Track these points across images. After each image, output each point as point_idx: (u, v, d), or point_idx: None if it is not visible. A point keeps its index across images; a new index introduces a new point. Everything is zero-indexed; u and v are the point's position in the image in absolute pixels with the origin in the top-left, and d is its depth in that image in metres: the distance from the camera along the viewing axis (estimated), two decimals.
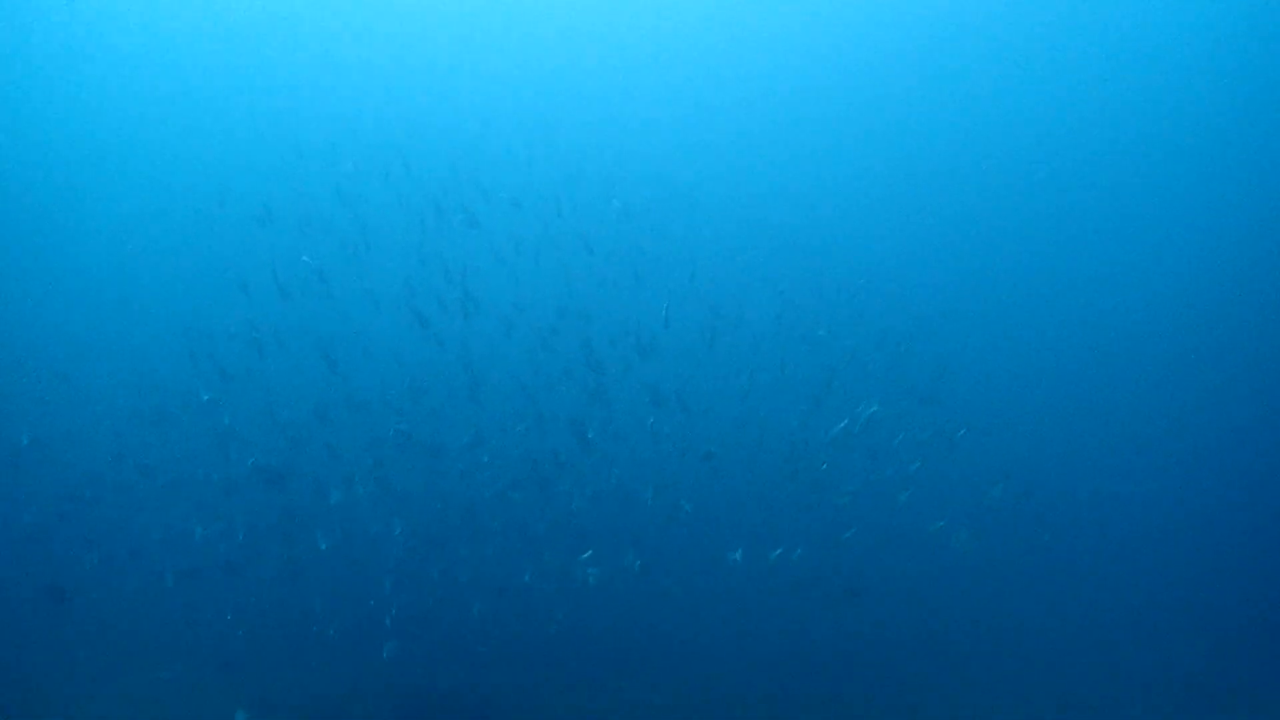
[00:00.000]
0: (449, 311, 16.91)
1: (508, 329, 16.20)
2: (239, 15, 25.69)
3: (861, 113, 26.32)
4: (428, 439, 14.45)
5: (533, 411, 14.90)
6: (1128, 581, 16.45)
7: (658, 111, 26.12)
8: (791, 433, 15.77)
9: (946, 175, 26.46)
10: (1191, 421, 20.77)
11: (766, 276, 21.45)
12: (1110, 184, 25.26)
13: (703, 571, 14.86)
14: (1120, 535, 18.24)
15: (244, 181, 26.74)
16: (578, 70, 25.48)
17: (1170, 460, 20.43)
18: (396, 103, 27.48)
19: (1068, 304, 24.27)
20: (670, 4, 24.19)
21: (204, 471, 15.70)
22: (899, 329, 21.11)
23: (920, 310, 22.51)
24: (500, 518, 14.32)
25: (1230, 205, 23.65)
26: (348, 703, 11.10)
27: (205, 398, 17.36)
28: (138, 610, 14.57)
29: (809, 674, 12.58)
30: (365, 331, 18.59)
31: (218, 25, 25.81)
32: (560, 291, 16.42)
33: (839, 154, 26.70)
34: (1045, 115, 25.35)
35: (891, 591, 15.61)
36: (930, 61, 25.78)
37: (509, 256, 17.90)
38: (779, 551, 14.84)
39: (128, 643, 13.77)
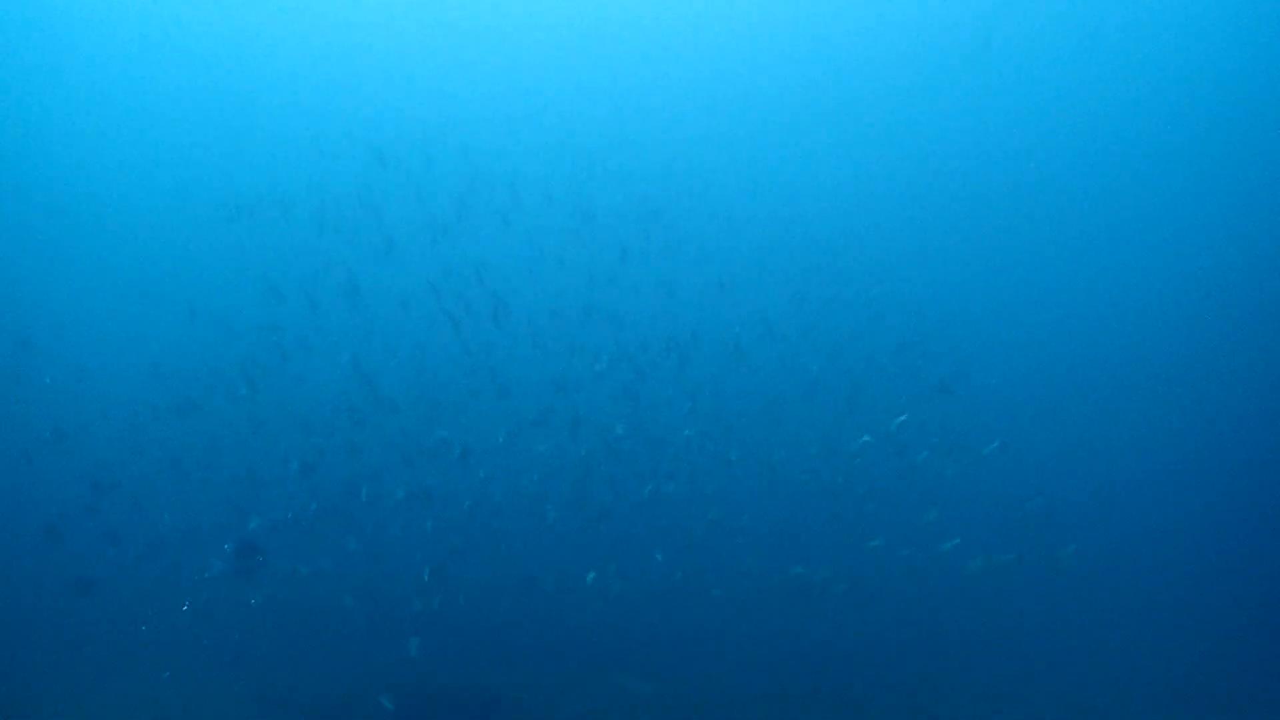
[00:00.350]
0: (474, 312, 16.86)
1: (537, 330, 16.15)
2: (257, 14, 25.66)
3: (894, 127, 26.32)
4: (458, 439, 14.40)
5: (567, 412, 14.83)
6: (1156, 596, 16.36)
7: (688, 115, 26.09)
8: (819, 440, 15.72)
9: (979, 188, 26.44)
10: (1221, 437, 20.63)
11: (795, 285, 21.40)
12: (1147, 195, 25.18)
13: (729, 574, 14.82)
14: (1149, 551, 18.12)
15: (264, 178, 26.72)
16: (608, 71, 25.41)
17: (1196, 472, 20.27)
18: (418, 99, 27.43)
19: (1100, 320, 24.20)
20: (706, 11, 24.14)
21: (230, 465, 15.69)
22: (926, 339, 21.04)
23: (950, 321, 22.47)
24: (529, 519, 14.28)
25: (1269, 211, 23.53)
26: (372, 698, 11.07)
27: (230, 393, 17.33)
28: (162, 602, 14.56)
29: (830, 677, 12.52)
30: (391, 329, 18.54)
31: (237, 25, 25.80)
32: (590, 293, 16.37)
33: (873, 165, 26.68)
34: (1077, 132, 25.29)
35: (913, 600, 15.56)
36: (953, 79, 25.78)
37: (536, 257, 17.85)
38: (803, 556, 14.82)
39: (152, 634, 13.75)
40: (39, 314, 23.26)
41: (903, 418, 16.32)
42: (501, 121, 26.26)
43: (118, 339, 22.70)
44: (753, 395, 16.94)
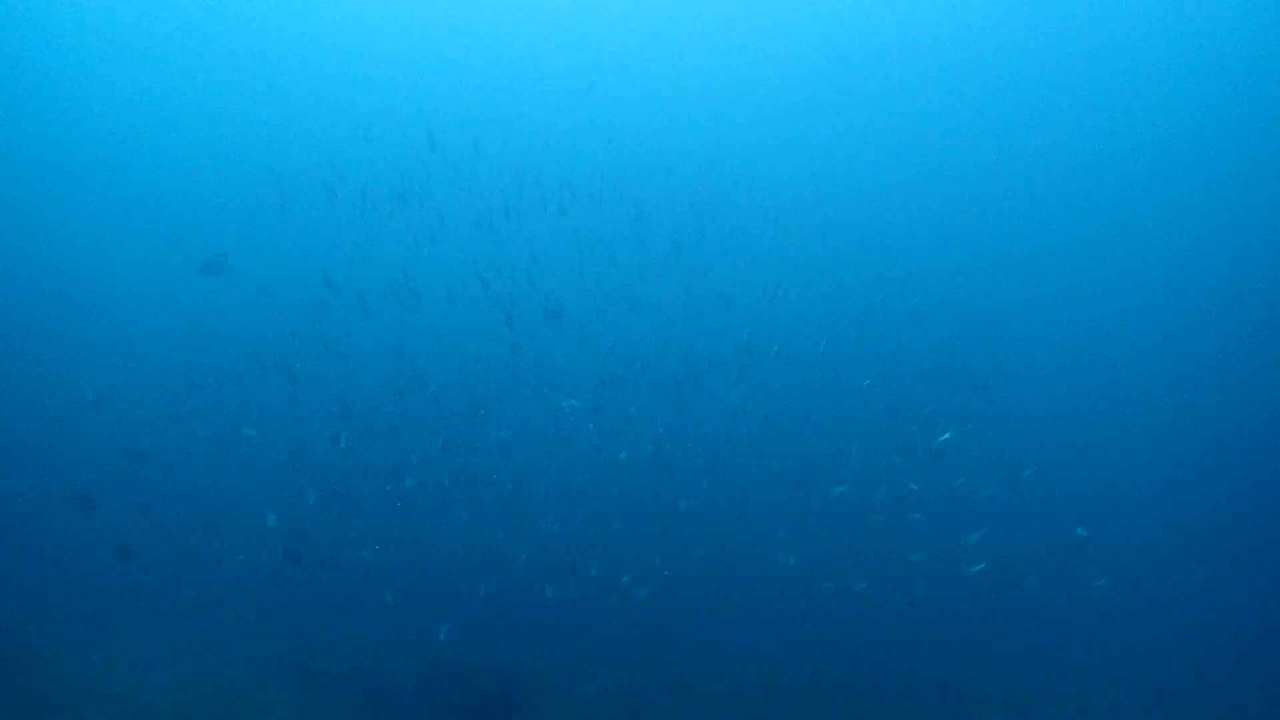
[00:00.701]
0: (521, 303, 16.75)
1: (584, 326, 16.02)
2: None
3: (941, 136, 26.08)
4: (499, 433, 14.32)
5: (613, 409, 14.72)
6: (1191, 643, 16.01)
7: (740, 117, 25.84)
8: (862, 452, 15.56)
9: (1027, 199, 26.14)
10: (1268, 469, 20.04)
11: (845, 291, 21.19)
12: (1201, 208, 24.63)
13: (763, 579, 14.68)
14: (1187, 591, 17.70)
15: (312, 157, 26.74)
16: (665, 66, 25.15)
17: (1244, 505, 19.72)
18: (467, 87, 27.35)
19: (1154, 348, 23.77)
20: (766, 16, 23.95)
21: (272, 444, 15.64)
22: (968, 349, 20.78)
23: (997, 340, 22.20)
24: (569, 514, 14.16)
25: None
26: (399, 678, 11.00)
27: (273, 370, 17.31)
28: (194, 572, 14.56)
29: (860, 688, 12.31)
30: (437, 318, 18.47)
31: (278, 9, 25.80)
32: (640, 292, 16.23)
33: (922, 174, 26.44)
34: (1123, 142, 24.91)
35: (948, 615, 15.36)
36: (995, 94, 25.57)
37: (586, 253, 17.71)
38: (842, 569, 14.68)
39: (183, 603, 13.74)
40: (83, 273, 23.35)
41: (945, 435, 16.14)
42: (553, 113, 26.08)
43: (157, 303, 22.77)
44: (798, 402, 16.75)
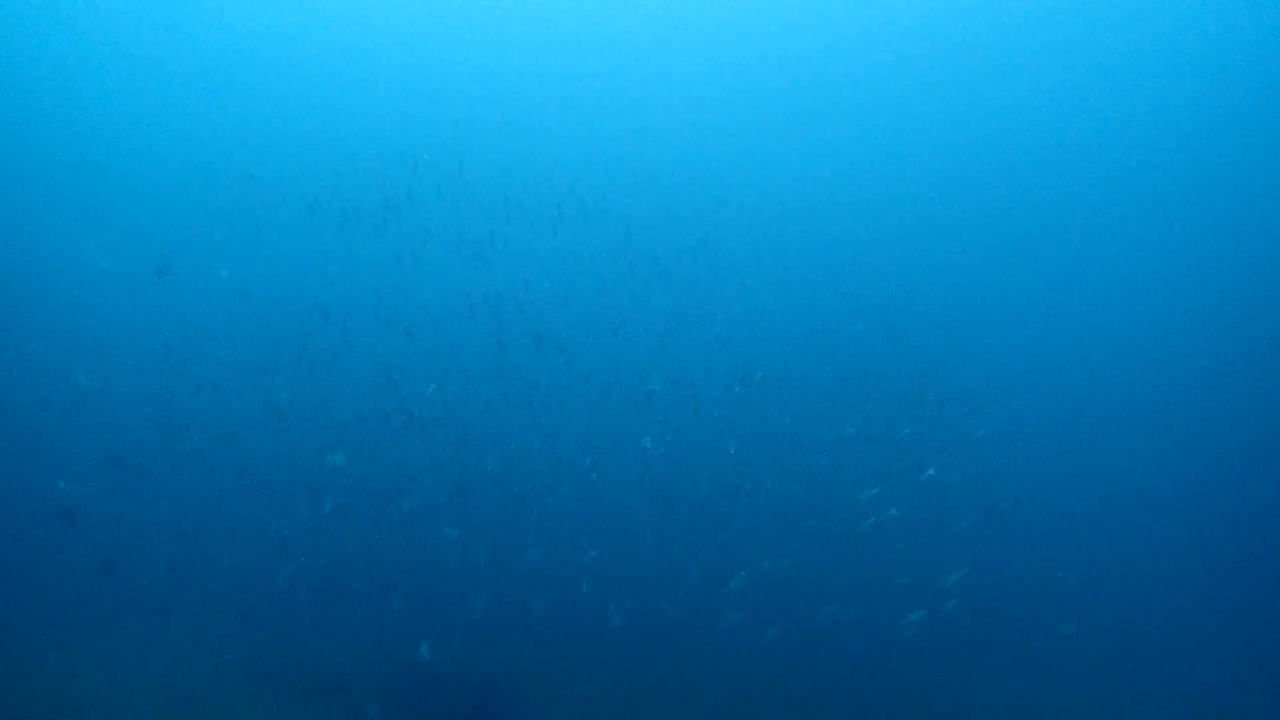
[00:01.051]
0: (508, 325, 16.86)
1: (572, 350, 16.16)
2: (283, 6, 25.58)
3: (935, 160, 26.69)
4: (488, 455, 14.38)
5: (602, 434, 14.86)
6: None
7: (732, 139, 26.19)
8: (860, 475, 15.83)
9: (1023, 230, 26.70)
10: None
11: (838, 317, 21.53)
12: (1192, 229, 25.03)
13: (752, 606, 14.82)
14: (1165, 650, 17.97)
15: (292, 176, 26.55)
16: (653, 86, 25.41)
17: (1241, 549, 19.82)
18: (451, 106, 27.43)
19: (1141, 383, 24.10)
20: (755, 40, 24.42)
21: (259, 459, 15.50)
22: (954, 379, 21.19)
23: (983, 360, 22.63)
24: (556, 541, 14.23)
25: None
26: (377, 690, 10.99)
27: (254, 383, 17.16)
28: (178, 584, 14.34)
29: (843, 696, 12.48)
30: (424, 341, 18.42)
31: (261, 16, 25.75)
32: (629, 314, 16.42)
33: (917, 204, 26.96)
34: (1113, 164, 25.55)
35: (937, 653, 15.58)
36: (981, 115, 26.32)
37: (572, 276, 17.89)
38: (828, 598, 14.89)
39: (168, 613, 13.53)
40: (62, 282, 22.88)
41: (931, 458, 16.56)
42: (540, 132, 26.17)
43: (136, 313, 22.40)
44: (787, 423, 16.98)
